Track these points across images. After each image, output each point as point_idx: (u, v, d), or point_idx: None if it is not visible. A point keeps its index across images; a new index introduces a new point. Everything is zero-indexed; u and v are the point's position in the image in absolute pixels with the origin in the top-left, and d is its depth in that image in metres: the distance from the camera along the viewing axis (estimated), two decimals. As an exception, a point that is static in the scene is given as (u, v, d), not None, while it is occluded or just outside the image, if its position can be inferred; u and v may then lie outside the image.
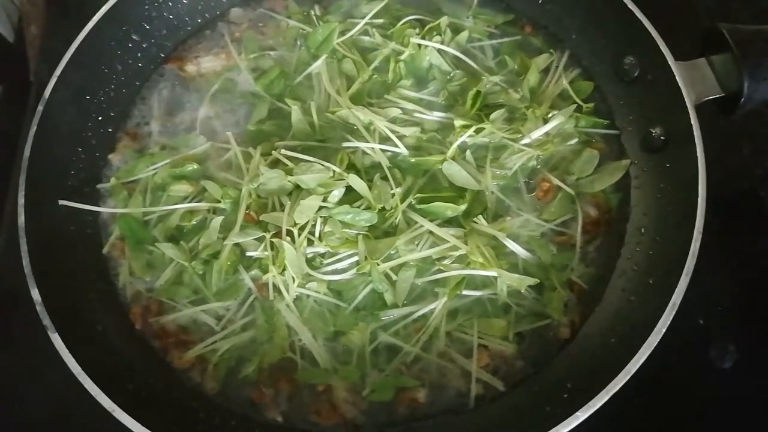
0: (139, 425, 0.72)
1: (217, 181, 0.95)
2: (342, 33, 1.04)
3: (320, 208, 0.87)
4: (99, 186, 0.99)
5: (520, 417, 0.80)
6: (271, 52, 1.08)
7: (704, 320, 0.94)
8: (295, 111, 0.97)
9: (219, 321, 0.89)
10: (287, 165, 0.90)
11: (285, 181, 0.89)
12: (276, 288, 0.88)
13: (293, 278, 0.85)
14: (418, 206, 0.90)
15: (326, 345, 0.87)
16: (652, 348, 0.74)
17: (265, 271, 0.87)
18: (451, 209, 0.89)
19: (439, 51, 1.01)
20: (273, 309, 0.88)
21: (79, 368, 0.75)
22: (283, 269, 0.86)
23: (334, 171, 0.88)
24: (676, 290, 0.76)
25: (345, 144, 0.94)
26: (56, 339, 0.77)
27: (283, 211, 0.87)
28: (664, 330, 0.74)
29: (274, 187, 0.90)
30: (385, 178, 0.90)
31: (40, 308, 0.79)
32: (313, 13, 1.09)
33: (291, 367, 0.86)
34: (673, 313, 0.75)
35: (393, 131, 0.93)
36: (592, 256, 0.92)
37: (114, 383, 0.76)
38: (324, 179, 0.88)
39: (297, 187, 0.90)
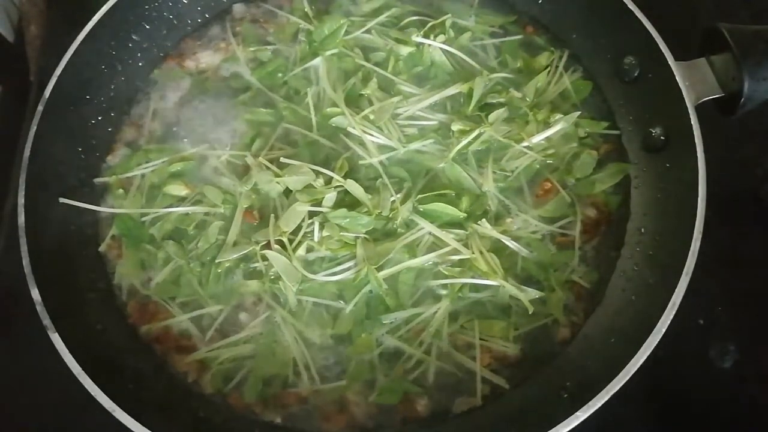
0: (139, 425, 0.72)
1: (214, 183, 0.95)
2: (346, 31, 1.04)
3: (317, 212, 0.87)
4: (95, 180, 0.99)
5: (520, 417, 0.80)
6: (269, 47, 1.08)
7: (704, 320, 0.94)
8: (286, 116, 0.98)
9: (211, 326, 0.88)
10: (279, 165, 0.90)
11: (274, 183, 0.89)
12: (275, 299, 0.88)
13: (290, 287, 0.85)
14: (419, 207, 0.90)
15: (329, 350, 0.86)
16: (652, 348, 0.74)
17: (262, 282, 0.87)
18: (450, 216, 0.88)
19: (442, 50, 1.01)
20: (273, 322, 0.88)
21: (79, 368, 0.75)
22: (279, 278, 0.85)
23: (331, 177, 0.88)
24: (676, 290, 0.76)
25: (343, 145, 0.94)
26: (56, 339, 0.77)
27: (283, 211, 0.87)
28: (664, 330, 0.74)
29: (265, 189, 0.90)
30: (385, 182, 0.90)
31: (40, 308, 0.79)
32: (311, 9, 1.08)
33: (294, 385, 0.85)
34: (673, 313, 0.75)
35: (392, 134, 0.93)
36: (592, 257, 0.92)
37: (114, 383, 0.76)
38: (310, 181, 0.88)
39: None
